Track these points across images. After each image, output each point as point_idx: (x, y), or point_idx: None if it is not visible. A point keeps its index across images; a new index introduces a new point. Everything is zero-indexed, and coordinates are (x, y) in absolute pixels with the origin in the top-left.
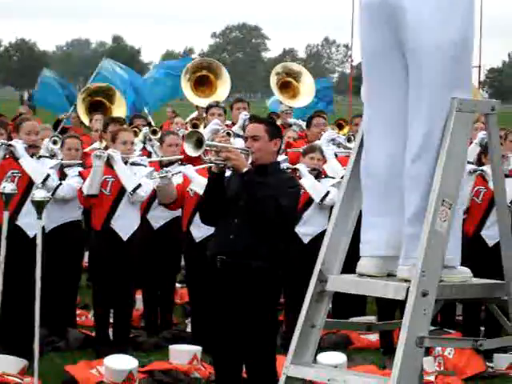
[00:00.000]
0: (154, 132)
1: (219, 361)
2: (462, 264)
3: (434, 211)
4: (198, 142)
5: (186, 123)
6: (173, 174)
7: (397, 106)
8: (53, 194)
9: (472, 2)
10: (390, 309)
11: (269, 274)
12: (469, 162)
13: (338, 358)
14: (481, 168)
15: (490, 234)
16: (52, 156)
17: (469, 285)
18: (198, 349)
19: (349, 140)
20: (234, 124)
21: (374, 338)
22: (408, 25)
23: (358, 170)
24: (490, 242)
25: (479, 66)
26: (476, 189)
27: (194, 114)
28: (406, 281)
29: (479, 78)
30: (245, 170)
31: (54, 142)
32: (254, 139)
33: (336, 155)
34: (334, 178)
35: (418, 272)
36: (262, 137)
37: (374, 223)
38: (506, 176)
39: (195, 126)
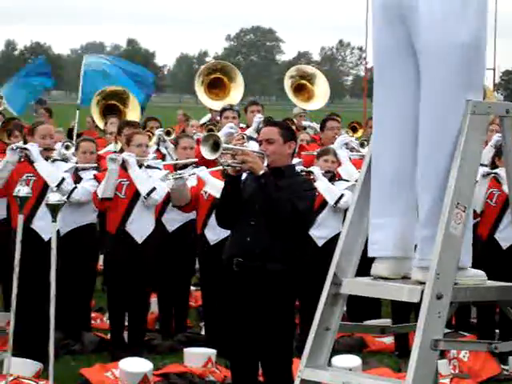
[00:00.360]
0: (168, 133)
1: (236, 363)
2: (476, 267)
3: (448, 213)
4: (215, 145)
5: (202, 125)
6: (187, 176)
7: (408, 106)
8: (68, 197)
9: (485, 2)
10: (405, 311)
11: (285, 277)
12: (482, 165)
13: (353, 360)
14: (495, 171)
15: (504, 236)
16: (65, 160)
17: (483, 287)
18: (212, 352)
19: (362, 145)
20: (248, 127)
21: (388, 340)
22: (420, 25)
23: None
24: (504, 245)
25: (494, 68)
26: (490, 191)
27: (207, 117)
28: (420, 283)
29: (494, 80)
30: (261, 172)
31: (67, 147)
32: (268, 142)
33: (350, 158)
34: (348, 180)
35: (433, 274)
36: (277, 140)
37: (382, 224)
38: None
39: (211, 131)
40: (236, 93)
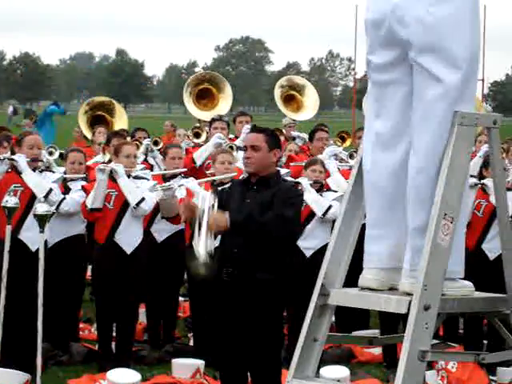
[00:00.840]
0: (156, 143)
1: (225, 374)
2: (463, 278)
3: (435, 225)
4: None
5: (189, 136)
6: (176, 187)
7: (403, 119)
8: (57, 208)
9: (477, 16)
10: (393, 322)
11: (274, 286)
12: (470, 176)
13: (341, 371)
14: (482, 181)
15: (491, 247)
16: (47, 167)
17: (471, 299)
18: (200, 362)
19: (351, 156)
20: (237, 137)
21: (377, 351)
22: (414, 41)
23: (361, 184)
24: (491, 256)
25: (483, 79)
26: (477, 202)
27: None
28: (408, 294)
29: (483, 91)
30: (229, 224)
31: (50, 153)
32: (253, 149)
33: (339, 169)
34: (336, 191)
35: (420, 285)
36: (262, 147)
37: (378, 235)
38: (508, 189)
39: (197, 134)
40: (224, 103)
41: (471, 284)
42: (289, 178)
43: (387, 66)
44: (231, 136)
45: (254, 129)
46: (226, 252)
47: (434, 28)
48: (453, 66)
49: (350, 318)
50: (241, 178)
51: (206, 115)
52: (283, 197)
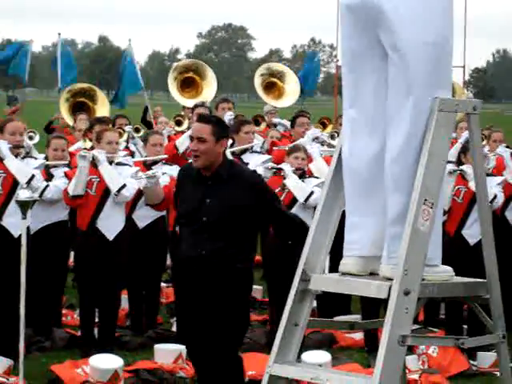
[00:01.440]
0: (137, 130)
1: (192, 357)
2: (443, 263)
3: (416, 210)
4: None
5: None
6: (160, 175)
7: (378, 106)
8: (40, 195)
9: (450, 3)
10: (374, 307)
11: (242, 274)
12: (449, 162)
13: (323, 356)
14: (461, 167)
15: (471, 232)
16: (27, 153)
17: (451, 283)
18: (182, 348)
19: (332, 137)
20: None
21: (358, 336)
22: (389, 27)
23: (341, 170)
24: (472, 241)
25: (463, 66)
26: (456, 188)
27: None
28: (388, 279)
29: (464, 77)
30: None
31: (30, 138)
32: (199, 141)
33: (322, 154)
34: (318, 177)
35: (401, 270)
36: (209, 139)
37: (358, 223)
38: (487, 175)
39: (179, 122)
40: (209, 90)
41: (451, 269)
42: (271, 164)
43: (362, 52)
44: None
45: (200, 118)
46: (189, 246)
47: (407, 14)
48: (425, 52)
49: (331, 304)
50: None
51: (190, 102)
52: (246, 186)
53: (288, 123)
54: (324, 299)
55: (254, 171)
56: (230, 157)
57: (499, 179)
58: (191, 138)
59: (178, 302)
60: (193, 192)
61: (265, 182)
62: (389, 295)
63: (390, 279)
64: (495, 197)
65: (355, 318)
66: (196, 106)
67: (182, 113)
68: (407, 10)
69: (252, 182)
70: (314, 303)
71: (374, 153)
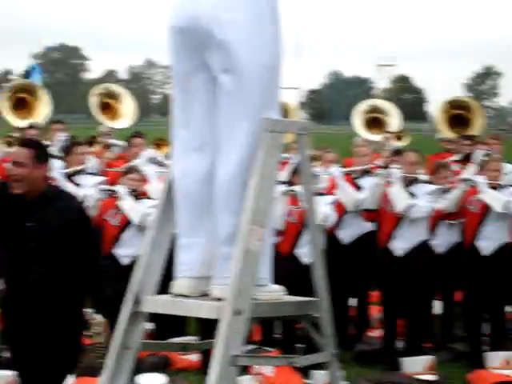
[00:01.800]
0: None
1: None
2: (278, 282)
3: (247, 230)
4: None
5: None
6: None
7: (209, 127)
8: None
9: (279, 29)
10: (211, 328)
11: (70, 296)
12: (283, 182)
13: (159, 379)
14: (292, 188)
15: (305, 252)
16: None
17: (281, 302)
18: (14, 374)
19: (167, 157)
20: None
21: (195, 358)
22: (221, 51)
23: (173, 191)
24: (305, 260)
25: (296, 88)
26: (289, 208)
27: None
28: (219, 300)
29: (298, 99)
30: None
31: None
32: (18, 165)
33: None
34: (153, 199)
35: (232, 291)
36: (27, 164)
37: (189, 244)
38: (319, 194)
39: (9, 143)
40: (42, 111)
41: (282, 288)
42: (105, 186)
43: (192, 73)
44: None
45: (20, 142)
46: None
47: (241, 38)
48: (260, 73)
49: (167, 326)
50: None
51: (23, 123)
52: (83, 221)
53: (124, 144)
54: (160, 321)
55: (74, 196)
56: (62, 178)
57: (330, 198)
58: (13, 162)
59: (8, 329)
60: (13, 215)
61: (84, 207)
62: (220, 316)
63: (221, 299)
64: (327, 216)
65: (190, 339)
66: (28, 128)
67: (18, 134)
68: (240, 35)
69: (72, 206)
70: (150, 325)
71: (205, 173)
